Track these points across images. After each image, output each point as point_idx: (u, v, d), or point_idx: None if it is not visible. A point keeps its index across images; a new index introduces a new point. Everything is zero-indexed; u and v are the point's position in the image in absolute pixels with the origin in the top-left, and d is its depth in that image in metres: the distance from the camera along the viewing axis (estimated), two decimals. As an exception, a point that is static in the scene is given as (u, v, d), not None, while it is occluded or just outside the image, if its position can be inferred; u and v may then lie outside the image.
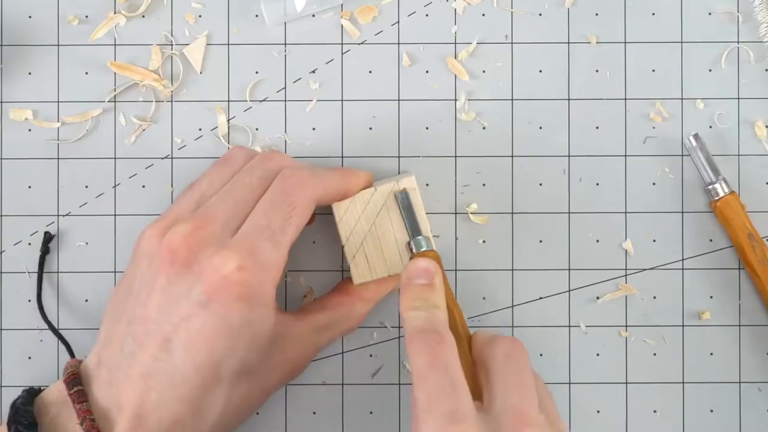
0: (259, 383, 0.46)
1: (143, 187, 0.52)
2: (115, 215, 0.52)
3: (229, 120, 0.52)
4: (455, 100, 0.52)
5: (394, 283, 0.50)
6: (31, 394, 0.45)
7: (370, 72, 0.52)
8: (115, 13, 0.52)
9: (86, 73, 0.52)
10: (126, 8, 0.52)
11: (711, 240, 0.52)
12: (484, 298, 0.52)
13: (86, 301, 0.52)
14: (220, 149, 0.52)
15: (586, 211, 0.52)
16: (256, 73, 0.52)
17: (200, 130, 0.52)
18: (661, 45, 0.52)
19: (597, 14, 0.52)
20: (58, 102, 0.52)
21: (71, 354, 0.50)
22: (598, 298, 0.52)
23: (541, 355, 0.52)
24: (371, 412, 0.52)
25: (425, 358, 0.42)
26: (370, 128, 0.52)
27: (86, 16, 0.52)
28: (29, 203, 0.52)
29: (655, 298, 0.52)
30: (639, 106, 0.52)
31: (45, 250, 0.51)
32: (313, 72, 0.52)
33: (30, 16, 0.52)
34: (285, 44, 0.52)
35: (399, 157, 0.52)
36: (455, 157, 0.52)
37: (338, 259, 0.52)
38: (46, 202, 0.52)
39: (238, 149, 0.49)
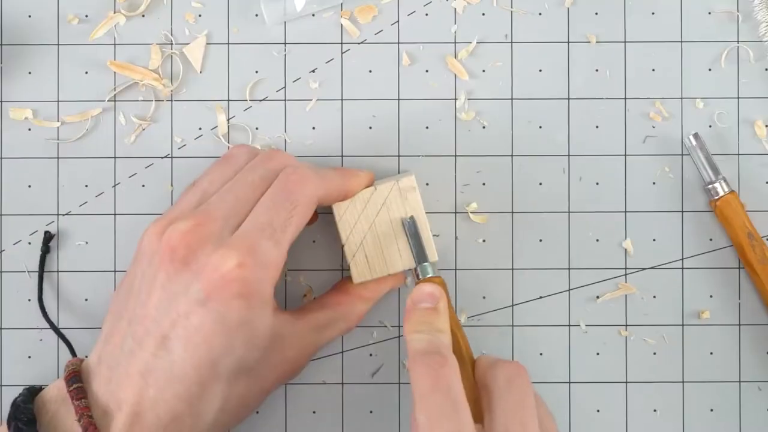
0: (258, 382, 0.46)
1: (143, 186, 0.52)
2: (115, 214, 0.52)
3: (229, 119, 0.52)
4: (455, 99, 0.52)
5: (393, 283, 0.50)
6: (32, 392, 0.45)
7: (370, 71, 0.52)
8: (115, 12, 0.52)
9: (86, 72, 0.52)
10: (126, 7, 0.52)
11: (711, 239, 0.52)
12: (483, 298, 0.52)
13: (86, 300, 0.52)
14: (220, 149, 0.52)
15: (586, 210, 0.52)
16: (256, 72, 0.52)
17: (200, 129, 0.52)
18: (660, 44, 0.52)
19: (597, 13, 0.52)
20: (58, 101, 0.52)
21: (73, 353, 0.50)
22: (598, 297, 0.52)
23: (541, 354, 0.52)
24: (371, 412, 0.52)
25: (428, 381, 0.42)
26: (370, 127, 0.52)
27: (86, 16, 0.52)
28: (29, 202, 0.52)
29: (655, 297, 0.52)
30: (639, 106, 0.52)
31: (45, 250, 0.51)
32: (313, 71, 0.52)
33: (30, 16, 0.52)
34: (285, 44, 0.52)
35: (399, 156, 0.52)
36: (455, 156, 0.52)
37: (338, 259, 0.52)
38: (46, 202, 0.52)
39: (240, 148, 0.49)
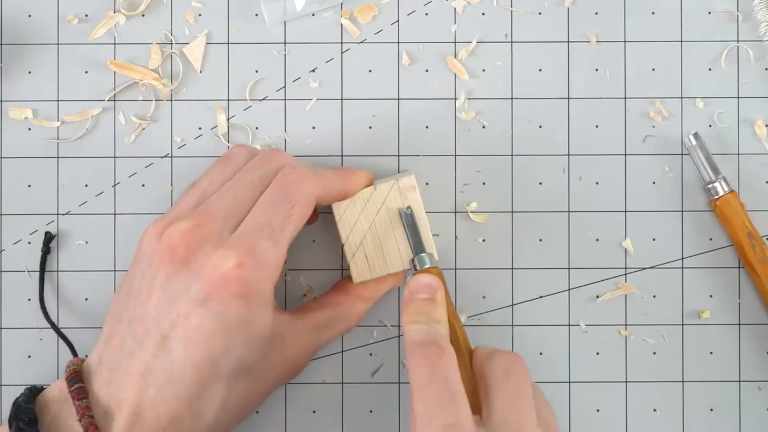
0: (258, 382, 0.46)
1: (143, 186, 0.52)
2: (114, 214, 0.52)
3: (228, 119, 0.52)
4: (455, 99, 0.52)
5: (393, 282, 0.50)
6: (33, 392, 0.45)
7: (370, 71, 0.52)
8: (114, 12, 0.52)
9: (86, 72, 0.52)
10: (126, 7, 0.52)
11: (711, 239, 0.52)
12: (483, 297, 0.52)
13: (86, 300, 0.52)
14: (220, 148, 0.52)
15: (585, 209, 0.52)
16: (256, 72, 0.52)
17: (200, 129, 0.52)
18: (660, 44, 0.52)
19: (597, 13, 0.52)
20: (58, 101, 0.52)
21: (74, 353, 0.50)
22: (597, 296, 0.52)
23: (540, 354, 0.52)
24: (371, 411, 0.52)
25: (425, 371, 0.42)
26: (370, 127, 0.52)
27: (86, 15, 0.52)
28: (29, 202, 0.52)
29: (654, 297, 0.52)
30: (639, 105, 0.52)
31: (46, 251, 0.51)
32: (313, 71, 0.52)
33: (30, 15, 0.52)
34: (285, 43, 0.52)
35: (399, 155, 0.52)
36: (455, 155, 0.52)
37: (338, 258, 0.52)
38: (46, 201, 0.52)
39: (239, 148, 0.49)
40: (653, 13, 0.52)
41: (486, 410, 0.43)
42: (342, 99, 0.52)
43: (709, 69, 0.52)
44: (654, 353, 0.52)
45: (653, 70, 0.52)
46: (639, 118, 0.52)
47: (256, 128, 0.52)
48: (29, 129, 0.52)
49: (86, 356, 0.46)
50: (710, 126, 0.52)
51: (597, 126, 0.52)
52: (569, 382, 0.52)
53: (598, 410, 0.52)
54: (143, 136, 0.52)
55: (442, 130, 0.52)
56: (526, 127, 0.52)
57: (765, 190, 0.52)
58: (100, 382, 0.44)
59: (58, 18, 0.52)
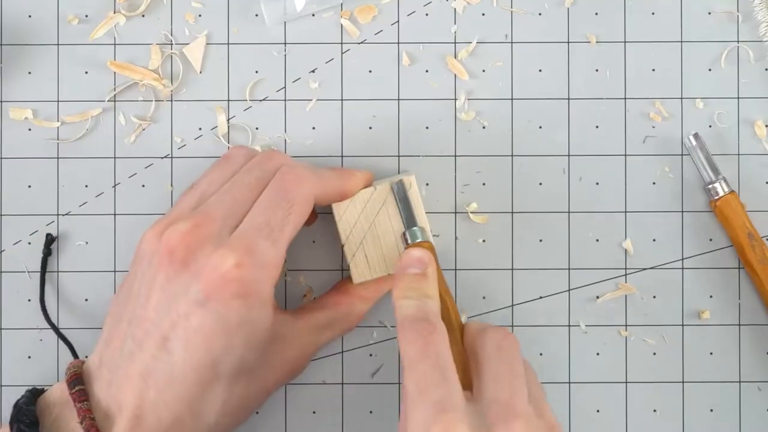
0: (259, 382, 0.46)
1: (143, 186, 0.52)
2: (114, 215, 0.52)
3: (228, 119, 0.52)
4: (455, 99, 0.52)
5: (393, 283, 0.50)
6: (34, 394, 0.45)
7: (370, 71, 0.52)
8: (114, 12, 0.52)
9: (86, 72, 0.52)
10: (126, 8, 0.52)
11: (711, 239, 0.52)
12: (483, 298, 0.52)
13: (86, 300, 0.52)
14: (220, 149, 0.52)
15: (586, 210, 0.52)
16: (256, 72, 0.52)
17: (200, 129, 0.52)
18: (660, 44, 0.52)
19: (597, 14, 0.52)
20: (58, 101, 0.52)
21: (74, 354, 0.50)
22: (597, 297, 0.52)
23: (540, 354, 0.52)
24: (371, 412, 0.52)
25: (416, 347, 0.42)
26: (370, 128, 0.52)
27: (86, 16, 0.52)
28: (29, 203, 0.52)
29: (654, 297, 0.52)
30: (639, 106, 0.52)
31: (47, 252, 0.51)
32: (313, 71, 0.52)
33: (30, 16, 0.52)
34: (285, 44, 0.52)
35: (399, 156, 0.52)
36: (455, 156, 0.52)
37: (338, 259, 0.52)
38: (46, 202, 0.52)
39: (237, 149, 0.49)
40: (653, 13, 0.52)
41: (477, 386, 0.42)
42: (342, 99, 0.52)
43: (709, 69, 0.52)
44: (654, 354, 0.52)
45: (653, 70, 0.52)
46: (639, 119, 0.52)
47: (257, 129, 0.52)
48: (29, 129, 0.52)
49: (87, 357, 0.46)
50: (710, 126, 0.52)
51: (597, 126, 0.52)
52: (569, 382, 0.52)
53: (598, 411, 0.52)
54: (143, 137, 0.52)
55: (442, 131, 0.52)
56: (526, 128, 0.52)
57: (765, 191, 0.52)
58: (101, 384, 0.44)
59: (58, 18, 0.52)
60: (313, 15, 0.52)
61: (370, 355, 0.52)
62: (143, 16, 0.52)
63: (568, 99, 0.52)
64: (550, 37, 0.52)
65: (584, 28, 0.52)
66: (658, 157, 0.52)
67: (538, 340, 0.52)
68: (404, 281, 0.45)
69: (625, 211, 0.52)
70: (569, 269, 0.52)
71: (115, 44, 0.52)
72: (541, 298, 0.52)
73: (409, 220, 0.48)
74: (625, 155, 0.52)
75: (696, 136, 0.51)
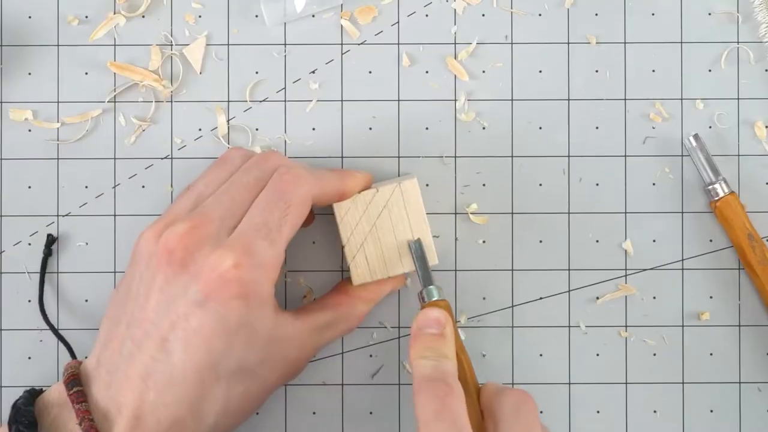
0: (259, 383, 0.46)
1: (143, 187, 0.52)
2: (114, 215, 0.52)
3: (228, 120, 0.52)
4: (455, 100, 0.52)
5: (393, 284, 0.50)
6: (33, 394, 0.45)
7: (370, 72, 0.52)
8: (114, 13, 0.52)
9: (86, 73, 0.52)
10: (126, 8, 0.52)
11: (711, 240, 0.52)
12: (484, 298, 0.52)
13: (86, 301, 0.52)
14: (220, 149, 0.52)
15: (586, 211, 0.52)
16: (256, 73, 0.52)
17: (200, 130, 0.52)
18: (661, 45, 0.52)
19: (597, 14, 0.52)
20: (58, 102, 0.52)
21: (72, 355, 0.50)
22: (597, 298, 0.52)
23: (541, 355, 0.52)
24: (371, 413, 0.52)
25: (432, 408, 0.41)
26: (370, 128, 0.52)
27: (86, 17, 0.52)
28: (29, 203, 0.52)
29: (655, 298, 0.52)
30: (639, 107, 0.52)
31: (47, 253, 0.51)
32: (313, 72, 0.52)
33: (30, 16, 0.52)
34: (285, 44, 0.52)
35: (399, 157, 0.52)
36: (455, 157, 0.52)
37: (338, 260, 0.52)
38: (46, 203, 0.52)
39: (235, 150, 0.49)
40: (653, 14, 0.52)
41: None
42: (342, 100, 0.52)
43: (709, 70, 0.52)
44: (654, 354, 0.52)
45: (653, 71, 0.52)
46: (639, 120, 0.52)
47: (256, 129, 0.52)
48: (29, 130, 0.52)
49: (85, 358, 0.46)
50: (710, 127, 0.52)
51: (597, 127, 0.52)
52: (569, 383, 0.52)
53: (598, 411, 0.52)
54: (143, 138, 0.52)
55: (442, 132, 0.52)
56: (526, 129, 0.52)
57: (765, 192, 0.52)
58: (99, 385, 0.44)
59: (58, 19, 0.52)
60: (313, 16, 0.52)
61: (370, 355, 0.52)
62: (143, 16, 0.52)
63: (568, 100, 0.52)
64: (550, 38, 0.52)
65: (584, 28, 0.52)
66: (658, 158, 0.52)
67: (538, 340, 0.52)
68: (422, 341, 0.45)
69: (625, 212, 0.52)
70: (569, 270, 0.52)
71: (115, 45, 0.52)
72: (541, 298, 0.52)
73: (426, 278, 0.47)
74: (625, 156, 0.52)
75: (696, 136, 0.51)
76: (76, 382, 0.44)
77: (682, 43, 0.52)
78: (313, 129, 0.52)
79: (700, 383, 0.52)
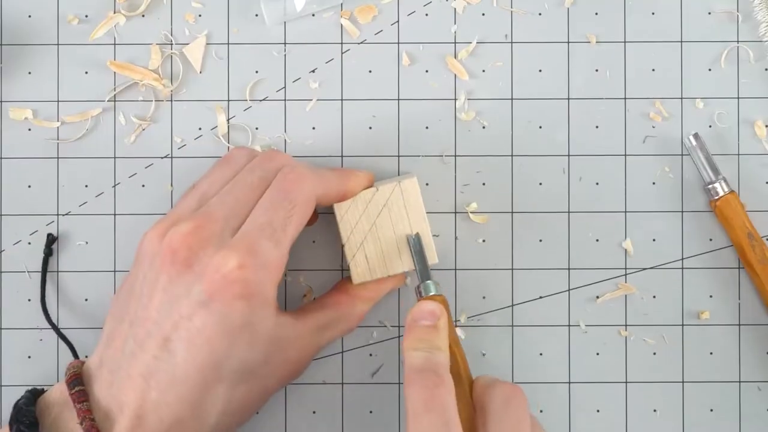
0: (261, 383, 0.46)
1: (143, 186, 0.52)
2: (115, 215, 0.52)
3: (228, 119, 0.52)
4: (455, 99, 0.52)
5: (393, 283, 0.50)
6: (34, 394, 0.45)
7: (370, 71, 0.52)
8: (114, 12, 0.52)
9: (86, 72, 0.52)
10: (126, 8, 0.52)
11: (711, 239, 0.52)
12: (483, 298, 0.52)
13: (86, 300, 0.52)
14: (220, 149, 0.52)
15: (585, 210, 0.52)
16: (256, 72, 0.52)
17: (200, 129, 0.52)
18: (660, 44, 0.52)
19: (597, 14, 0.52)
20: (58, 101, 0.52)
21: (75, 355, 0.50)
22: (597, 297, 0.52)
23: (540, 354, 0.52)
24: (371, 412, 0.52)
25: (421, 399, 0.41)
26: (370, 128, 0.52)
27: (86, 16, 0.52)
28: (29, 203, 0.52)
29: (654, 297, 0.52)
30: (639, 106, 0.52)
31: (48, 252, 0.51)
32: (313, 71, 0.52)
33: (30, 16, 0.52)
34: (285, 44, 0.52)
35: (399, 156, 0.52)
36: (455, 156, 0.52)
37: (338, 259, 0.52)
38: (46, 202, 0.52)
39: (239, 150, 0.49)
40: (653, 13, 0.52)
41: None
42: (342, 99, 0.52)
43: (709, 69, 0.52)
44: (654, 354, 0.52)
45: (653, 70, 0.52)
46: (639, 119, 0.52)
47: (256, 129, 0.52)
48: (29, 129, 0.52)
49: (86, 357, 0.46)
50: (710, 126, 0.52)
51: (597, 126, 0.52)
52: (569, 382, 0.52)
53: (598, 411, 0.52)
54: (143, 137, 0.52)
55: (442, 131, 0.52)
56: (526, 128, 0.52)
57: (765, 191, 0.52)
58: (101, 384, 0.44)
59: (58, 18, 0.52)
60: (313, 15, 0.52)
61: (370, 355, 0.52)
62: (143, 16, 0.52)
63: (568, 99, 0.52)
64: (550, 37, 0.52)
65: (584, 28, 0.52)
66: (658, 157, 0.52)
67: (538, 340, 0.52)
68: (415, 332, 0.45)
69: (625, 211, 0.52)
70: (569, 269, 0.52)
71: (115, 44, 0.52)
72: (541, 298, 0.52)
73: (424, 273, 0.48)
74: (625, 155, 0.52)
75: (696, 136, 0.51)
76: (78, 381, 0.44)
77: (682, 42, 0.52)
78: (313, 128, 0.52)
79: (699, 382, 0.52)
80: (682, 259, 0.52)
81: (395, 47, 0.52)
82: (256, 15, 0.52)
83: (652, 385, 0.52)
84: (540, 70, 0.52)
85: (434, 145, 0.52)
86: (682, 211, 0.52)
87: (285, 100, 0.52)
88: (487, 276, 0.52)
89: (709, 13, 0.52)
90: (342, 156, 0.52)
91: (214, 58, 0.52)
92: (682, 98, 0.52)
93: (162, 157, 0.52)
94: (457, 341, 0.47)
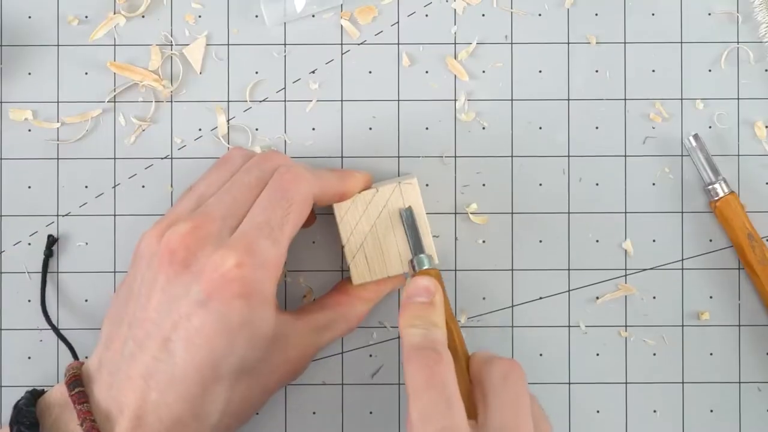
0: (260, 383, 0.46)
1: (143, 187, 0.52)
2: (114, 215, 0.52)
3: (228, 120, 0.52)
4: (455, 100, 0.52)
5: (393, 284, 0.50)
6: (34, 395, 0.45)
7: (370, 72, 0.52)
8: (114, 13, 0.52)
9: (86, 73, 0.52)
10: (126, 8, 0.52)
11: (711, 240, 0.52)
12: (483, 298, 0.52)
13: (86, 301, 0.52)
14: (220, 149, 0.52)
15: (585, 211, 0.52)
16: (256, 73, 0.52)
17: (200, 130, 0.52)
18: (660, 45, 0.52)
19: (597, 14, 0.52)
20: (58, 102, 0.52)
21: (74, 356, 0.50)
22: (597, 298, 0.52)
23: (540, 355, 0.52)
24: (371, 412, 0.52)
25: (422, 376, 0.42)
26: (370, 128, 0.52)
27: (86, 17, 0.52)
28: (29, 203, 0.52)
29: (654, 298, 0.52)
30: (639, 106, 0.52)
31: (48, 254, 0.51)
32: (313, 72, 0.52)
33: (30, 16, 0.52)
34: (285, 44, 0.52)
35: (399, 157, 0.52)
36: (455, 157, 0.52)
37: (338, 259, 0.52)
38: (45, 202, 0.52)
39: (236, 150, 0.49)
40: (653, 14, 0.52)
41: (482, 416, 0.42)
42: (342, 100, 0.52)
43: (709, 70, 0.52)
44: (654, 354, 0.52)
45: (653, 71, 0.52)
46: (639, 120, 0.52)
47: (256, 129, 0.52)
48: (29, 130, 0.52)
49: (86, 358, 0.46)
50: (710, 127, 0.52)
51: (597, 127, 0.52)
52: (569, 383, 0.52)
53: (598, 411, 0.52)
54: (143, 138, 0.52)
55: (442, 132, 0.52)
56: (526, 129, 0.52)
57: (765, 192, 0.52)
58: (101, 386, 0.44)
59: (58, 19, 0.52)
60: (313, 16, 0.52)
61: (370, 355, 0.52)
62: (143, 16, 0.52)
63: (568, 100, 0.52)
64: (550, 38, 0.52)
65: (584, 28, 0.52)
66: (658, 158, 0.52)
67: (538, 340, 0.52)
68: (411, 310, 0.45)
69: (625, 212, 0.52)
70: (569, 270, 0.52)
71: (115, 45, 0.52)
72: (541, 298, 0.52)
73: (417, 246, 0.47)
74: (625, 156, 0.52)
75: (696, 136, 0.51)
76: (77, 382, 0.44)
77: (682, 43, 0.52)
78: (313, 129, 0.52)
79: (699, 383, 0.52)
80: (682, 259, 0.52)
81: (395, 48, 0.52)
82: (256, 16, 0.52)
83: (652, 386, 0.52)
84: (540, 71, 0.52)
85: (434, 146, 0.52)
86: (682, 212, 0.52)
87: (285, 100, 0.52)
88: (487, 277, 0.52)
89: (709, 14, 0.52)
90: (342, 157, 0.52)
91: (214, 58, 0.52)
92: (682, 99, 0.52)
93: (162, 158, 0.52)
94: (453, 316, 0.47)
